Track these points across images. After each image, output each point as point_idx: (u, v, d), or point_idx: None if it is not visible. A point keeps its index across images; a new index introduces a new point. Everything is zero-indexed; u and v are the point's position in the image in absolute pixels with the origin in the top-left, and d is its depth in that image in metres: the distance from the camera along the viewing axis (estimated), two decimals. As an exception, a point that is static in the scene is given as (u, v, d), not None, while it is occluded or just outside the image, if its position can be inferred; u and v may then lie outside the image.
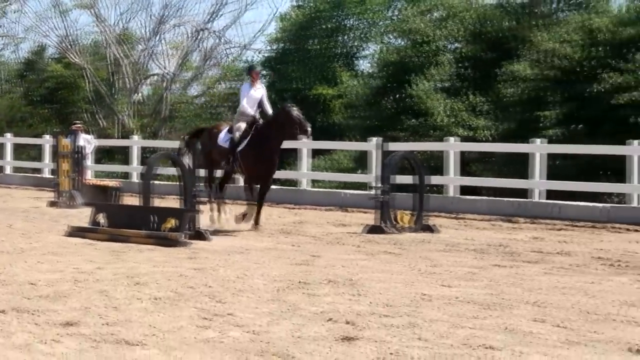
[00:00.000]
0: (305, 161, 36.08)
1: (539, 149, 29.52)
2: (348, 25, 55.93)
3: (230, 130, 24.72)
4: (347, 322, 12.12)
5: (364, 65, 55.35)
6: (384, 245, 21.11)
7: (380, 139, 30.38)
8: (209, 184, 25.89)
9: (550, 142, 31.31)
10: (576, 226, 25.68)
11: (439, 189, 31.71)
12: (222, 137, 24.78)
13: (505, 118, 39.03)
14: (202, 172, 25.78)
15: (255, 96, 24.58)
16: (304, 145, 35.50)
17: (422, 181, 24.87)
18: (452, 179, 31.50)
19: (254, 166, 24.17)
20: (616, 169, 29.67)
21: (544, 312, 13.07)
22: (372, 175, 30.11)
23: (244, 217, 24.49)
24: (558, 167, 31.15)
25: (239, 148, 24.10)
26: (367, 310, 13.05)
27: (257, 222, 24.31)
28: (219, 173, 26.77)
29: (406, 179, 25.92)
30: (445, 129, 38.38)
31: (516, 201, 29.31)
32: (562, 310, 13.23)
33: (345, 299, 13.95)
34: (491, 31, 44.15)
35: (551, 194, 29.61)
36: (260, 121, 24.57)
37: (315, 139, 36.89)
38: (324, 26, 54.77)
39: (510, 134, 35.84)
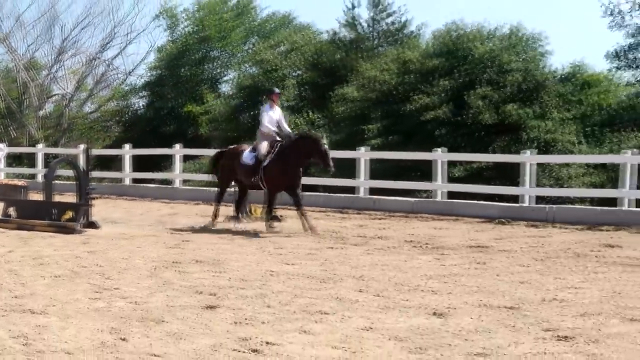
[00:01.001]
0: (178, 165, 36.02)
1: (363, 155, 29.77)
2: (212, 56, 56.16)
3: (252, 150, 22.21)
4: (211, 294, 12.18)
5: (225, 88, 55.41)
6: (241, 232, 21.13)
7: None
8: (221, 195, 23.31)
9: (372, 149, 31.59)
10: (392, 216, 25.90)
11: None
12: (246, 156, 22.16)
13: (337, 130, 39.20)
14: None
15: (274, 117, 22.13)
16: (177, 152, 35.55)
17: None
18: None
19: (278, 179, 21.60)
20: (424, 171, 30.03)
21: (366, 284, 13.24)
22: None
23: (270, 223, 21.73)
24: (378, 169, 31.40)
25: (264, 164, 21.61)
26: (227, 284, 13.12)
27: (312, 228, 21.26)
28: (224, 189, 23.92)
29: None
30: (289, 139, 38.48)
31: (346, 196, 29.50)
32: (380, 282, 13.41)
33: (209, 275, 13.99)
34: (326, 61, 44.42)
35: (373, 191, 29.89)
36: (279, 140, 22.10)
37: (185, 146, 36.97)
38: (192, 57, 54.93)
39: (341, 143, 36.02)
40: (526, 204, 25.29)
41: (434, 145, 29.98)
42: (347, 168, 31.01)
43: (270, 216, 21.89)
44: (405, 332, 9.80)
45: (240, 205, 23.12)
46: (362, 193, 29.55)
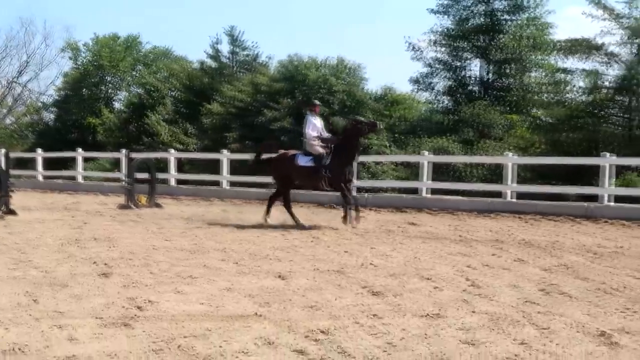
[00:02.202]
0: (80, 164, 35.38)
1: (225, 156, 29.70)
2: (107, 79, 56.18)
3: (306, 154, 18.99)
4: (105, 264, 11.96)
5: (117, 105, 55.17)
6: (130, 216, 20.81)
7: (127, 150, 29.76)
8: (287, 200, 19.67)
9: (232, 152, 31.50)
10: (249, 202, 25.91)
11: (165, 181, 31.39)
12: (302, 159, 18.96)
13: (205, 138, 39.14)
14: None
15: (317, 125, 19.21)
16: (79, 154, 34.90)
17: (153, 176, 24.68)
18: (173, 175, 31.35)
19: (343, 174, 18.46)
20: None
21: (227, 255, 13.18)
22: (122, 173, 29.60)
23: (355, 218, 18.40)
24: (237, 167, 31.28)
25: (326, 162, 18.56)
26: (119, 256, 12.88)
27: (345, 220, 18.48)
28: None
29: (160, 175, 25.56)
30: (167, 145, 38.22)
31: (213, 188, 29.40)
32: (238, 253, 13.37)
33: (104, 250, 13.73)
34: (196, 84, 44.47)
35: (234, 184, 29.88)
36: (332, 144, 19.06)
37: (86, 150, 36.32)
38: (91, 80, 55.01)
39: (208, 147, 35.98)
40: (354, 194, 25.52)
41: (283, 148, 30.01)
42: (212, 166, 30.93)
43: (349, 208, 18.61)
44: (257, 291, 9.80)
45: (288, 204, 19.63)
46: (225, 185, 29.47)
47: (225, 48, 45.88)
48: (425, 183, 24.37)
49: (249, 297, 9.43)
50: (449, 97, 38.77)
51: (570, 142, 31.17)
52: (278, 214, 19.57)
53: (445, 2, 38.54)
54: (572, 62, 35.82)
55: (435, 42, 38.69)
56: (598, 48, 34.16)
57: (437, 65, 38.94)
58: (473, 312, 8.71)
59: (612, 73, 34.53)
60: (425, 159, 24.67)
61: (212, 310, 8.72)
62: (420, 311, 8.72)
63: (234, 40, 45.30)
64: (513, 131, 33.71)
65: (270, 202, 19.67)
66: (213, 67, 45.36)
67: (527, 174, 27.97)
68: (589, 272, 11.50)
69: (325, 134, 19.43)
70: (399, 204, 23.36)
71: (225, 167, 29.65)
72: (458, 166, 29.78)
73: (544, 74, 38.02)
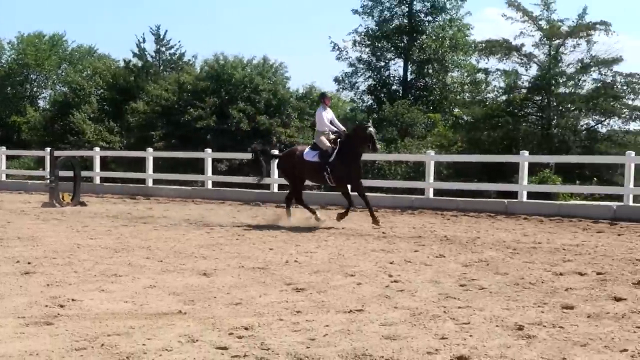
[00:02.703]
0: (4, 162, 34.60)
1: (150, 154, 29.36)
2: (32, 78, 55.26)
3: (313, 148, 18.54)
4: (28, 263, 11.71)
5: (43, 103, 54.33)
6: (54, 215, 20.43)
7: (50, 148, 29.26)
8: (299, 195, 19.14)
9: (157, 150, 31.20)
10: (173, 201, 25.69)
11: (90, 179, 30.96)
12: (309, 154, 18.44)
13: (130, 136, 38.77)
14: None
15: (328, 117, 18.44)
16: (2, 152, 34.14)
17: (77, 174, 24.27)
18: (97, 173, 30.93)
19: (345, 173, 17.96)
20: (196, 166, 29.84)
21: (152, 253, 13.03)
22: (46, 171, 29.07)
23: (342, 216, 18.09)
24: (161, 165, 31.00)
25: (331, 159, 18.00)
26: (42, 255, 12.63)
27: (376, 222, 17.66)
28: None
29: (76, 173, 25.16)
30: (93, 143, 37.71)
31: (138, 186, 29.08)
32: (163, 251, 13.23)
33: (27, 249, 13.44)
34: (121, 83, 43.94)
35: (158, 182, 29.62)
36: (337, 136, 18.49)
37: (9, 149, 35.53)
38: (16, 79, 54.06)
39: (133, 145, 35.57)
40: (275, 190, 25.51)
41: (206, 147, 29.84)
42: (137, 164, 30.56)
43: (348, 209, 18.21)
44: (181, 289, 9.70)
45: (301, 199, 19.17)
46: (150, 183, 29.15)
47: (150, 47, 45.56)
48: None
49: (173, 295, 9.33)
50: (371, 97, 39.06)
51: (490, 140, 31.65)
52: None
53: (368, 3, 38.81)
54: (491, 63, 36.46)
55: (358, 43, 38.95)
56: (516, 49, 34.79)
57: (360, 65, 39.21)
58: (395, 307, 8.75)
59: (530, 73, 35.21)
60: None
61: (135, 309, 8.60)
62: (344, 307, 8.72)
63: (159, 38, 44.94)
64: (434, 130, 34.10)
65: (288, 202, 19.08)
66: (138, 66, 44.95)
67: (448, 172, 28.32)
68: (508, 267, 11.66)
69: (339, 125, 18.75)
70: (324, 202, 23.37)
71: (150, 165, 29.35)
72: (381, 164, 29.98)
73: (464, 74, 38.56)
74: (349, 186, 18.43)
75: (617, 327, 7.83)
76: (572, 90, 34.52)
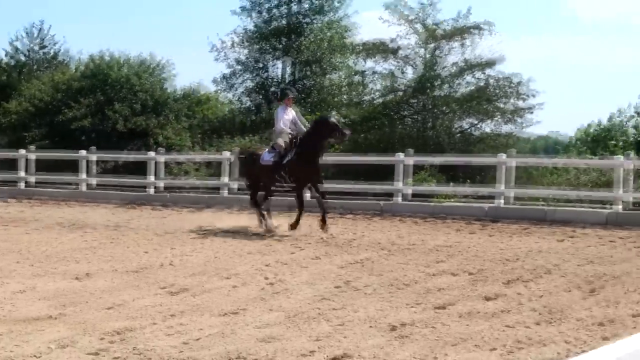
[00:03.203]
0: None
1: (23, 155, 28.58)
2: None
3: (271, 150, 17.53)
4: None
5: None
6: None
7: None
8: (253, 198, 18.08)
9: (32, 151, 30.36)
10: (46, 203, 25.04)
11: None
12: (265, 157, 17.43)
13: (3, 137, 37.69)
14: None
15: (288, 118, 17.36)
16: None
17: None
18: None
19: (303, 172, 16.90)
20: (74, 166, 29.17)
21: (23, 257, 12.75)
22: None
23: (294, 225, 16.87)
24: (41, 165, 30.15)
25: (286, 160, 17.02)
26: None
27: (324, 226, 16.69)
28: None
29: None
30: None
31: (11, 188, 28.19)
32: (35, 255, 12.95)
33: None
34: (-6, 82, 42.60)
35: (36, 183, 28.84)
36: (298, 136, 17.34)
37: None
38: None
39: (7, 146, 34.58)
40: (152, 192, 25.22)
41: (83, 147, 29.18)
42: (11, 165, 29.74)
43: (299, 216, 17.01)
44: (53, 294, 9.49)
45: (265, 202, 18.08)
46: (22, 185, 28.35)
47: (25, 45, 44.31)
48: (228, 182, 24.34)
49: (43, 300, 9.11)
50: (251, 98, 39.02)
51: (368, 142, 32.02)
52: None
53: (248, 4, 38.77)
54: (369, 65, 36.92)
55: (238, 43, 38.85)
56: (394, 51, 35.33)
57: (240, 66, 39.10)
58: (270, 309, 8.75)
59: (407, 76, 35.82)
60: (228, 158, 24.65)
61: (4, 314, 8.36)
62: (219, 310, 8.68)
63: (33, 36, 43.80)
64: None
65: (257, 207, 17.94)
66: (11, 65, 43.65)
67: (328, 173, 28.50)
68: (382, 268, 11.81)
69: (301, 127, 17.51)
70: (203, 202, 23.22)
71: (23, 166, 28.54)
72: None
73: (343, 75, 38.91)
74: (305, 188, 17.78)
75: (487, 327, 8.02)
76: (448, 93, 35.22)
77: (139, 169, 27.38)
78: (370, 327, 8.02)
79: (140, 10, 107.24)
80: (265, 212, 17.68)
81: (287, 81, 38.71)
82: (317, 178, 17.22)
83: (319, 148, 17.07)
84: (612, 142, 38.04)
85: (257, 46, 38.49)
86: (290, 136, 17.27)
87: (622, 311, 8.82)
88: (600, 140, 38.62)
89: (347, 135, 17.22)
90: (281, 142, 17.18)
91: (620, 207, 18.81)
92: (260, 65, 38.85)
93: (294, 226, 16.77)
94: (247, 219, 18.52)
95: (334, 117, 17.34)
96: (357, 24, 39.99)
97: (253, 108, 38.01)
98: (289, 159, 16.99)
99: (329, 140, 17.18)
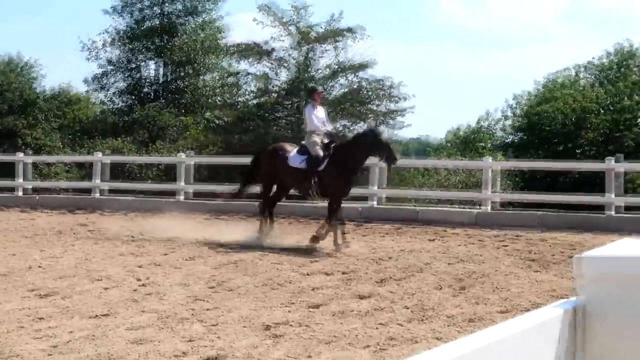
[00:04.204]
0: None
1: None
2: None
3: (301, 152, 15.19)
4: None
5: None
6: None
7: None
8: (265, 202, 15.94)
9: None
10: None
11: None
12: (294, 159, 15.12)
13: None
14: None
15: (320, 116, 15.36)
16: None
17: None
18: None
19: (341, 185, 14.80)
20: None
21: None
22: None
23: (317, 239, 14.51)
24: None
25: (321, 167, 14.73)
26: None
27: (316, 238, 14.53)
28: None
29: None
30: None
31: None
32: None
33: None
34: None
35: None
36: (331, 141, 15.23)
37: None
38: None
39: None
40: (20, 194, 24.45)
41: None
42: None
43: (330, 226, 14.66)
44: None
45: (272, 208, 16.18)
46: None
47: None
48: (99, 184, 23.82)
49: None
50: (124, 99, 38.39)
51: (242, 143, 31.92)
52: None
53: (119, 4, 38.12)
54: (244, 66, 36.82)
55: (110, 43, 38.16)
56: (268, 53, 35.34)
57: (112, 66, 38.41)
58: (142, 311, 8.60)
59: (281, 77, 35.90)
60: (99, 159, 24.12)
61: None
62: (90, 312, 8.47)
63: None
64: (187, 133, 33.99)
65: (264, 210, 16.09)
66: None
67: (202, 175, 28.27)
68: (257, 268, 11.77)
69: (329, 126, 15.79)
70: (72, 205, 22.64)
71: None
72: (133, 167, 29.52)
73: (217, 77, 38.71)
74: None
75: (360, 325, 8.09)
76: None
77: (7, 170, 26.56)
78: (244, 327, 7.97)
79: (6, 10, 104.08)
80: (268, 219, 15.84)
81: (160, 82, 38.25)
82: (348, 192, 15.38)
83: (361, 163, 15.32)
84: (481, 144, 39.20)
85: (130, 46, 37.89)
86: (326, 139, 15.22)
87: (490, 308, 9.06)
88: (469, 142, 39.74)
89: (396, 162, 15.19)
90: (318, 147, 14.94)
91: (489, 207, 19.31)
92: (133, 65, 38.25)
93: (337, 243, 14.24)
94: (123, 220, 18.18)
95: (384, 135, 15.30)
96: (230, 25, 39.88)
97: (125, 109, 37.38)
98: (325, 167, 14.78)
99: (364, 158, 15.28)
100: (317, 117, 15.32)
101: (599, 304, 2.26)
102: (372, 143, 14.60)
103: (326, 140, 15.17)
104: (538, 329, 2.09)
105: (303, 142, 15.55)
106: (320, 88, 16.28)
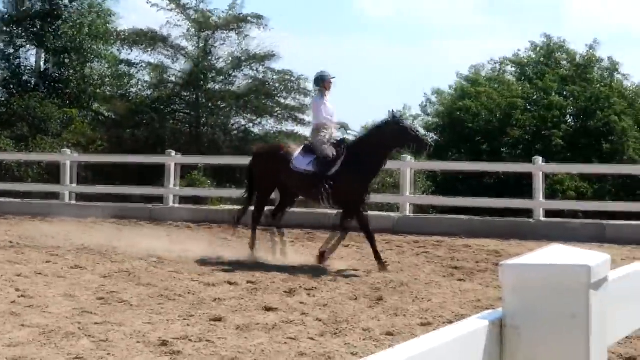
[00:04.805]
0: None
1: None
2: None
3: (306, 152, 13.89)
4: None
5: None
6: None
7: None
8: (258, 210, 14.59)
9: None
10: None
11: None
12: (300, 160, 13.74)
13: None
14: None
15: (330, 109, 14.13)
16: None
17: None
18: None
19: (358, 191, 13.49)
20: None
21: None
22: None
23: (324, 255, 13.50)
24: None
25: (332, 171, 13.48)
26: None
27: (380, 259, 13.05)
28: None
29: None
30: None
31: None
32: None
33: None
34: None
35: None
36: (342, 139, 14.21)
37: None
38: None
39: None
40: None
41: None
42: None
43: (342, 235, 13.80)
44: None
45: (278, 219, 14.61)
46: None
47: None
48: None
49: None
50: (0, 89, 37.60)
51: (135, 139, 31.64)
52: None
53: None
54: (137, 54, 36.44)
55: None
56: (164, 40, 35.06)
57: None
58: (22, 325, 8.45)
59: (179, 67, 35.66)
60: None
61: None
62: (-42, 328, 8.29)
63: None
64: (72, 127, 33.46)
65: (255, 222, 14.67)
66: None
67: (89, 174, 27.90)
68: (152, 278, 11.68)
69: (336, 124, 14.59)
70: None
71: None
72: (11, 165, 28.99)
73: (106, 65, 38.20)
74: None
75: (267, 339, 8.11)
76: (224, 87, 35.35)
77: None
78: (138, 342, 7.90)
79: None
80: (278, 233, 14.44)
81: (41, 70, 37.58)
82: (365, 199, 13.99)
83: (383, 161, 14.17)
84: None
85: (7, 30, 37.12)
86: (336, 133, 14.30)
87: (410, 320, 9.18)
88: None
89: (429, 146, 14.09)
90: (327, 145, 13.82)
91: (407, 211, 19.49)
92: (12, 51, 37.50)
93: (381, 265, 12.95)
94: (9, 226, 17.83)
95: (406, 121, 14.28)
96: (122, 9, 39.40)
97: (3, 99, 36.62)
98: (337, 169, 13.57)
99: (397, 151, 14.35)
100: (326, 109, 14.16)
101: (525, 315, 2.31)
102: (396, 134, 13.49)
103: (337, 136, 14.23)
104: (461, 342, 2.12)
105: (308, 139, 14.41)
106: (331, 74, 14.36)
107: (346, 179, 13.39)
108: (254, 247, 14.23)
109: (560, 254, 2.49)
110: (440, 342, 2.08)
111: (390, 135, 13.44)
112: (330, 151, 13.66)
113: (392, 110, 14.02)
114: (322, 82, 14.36)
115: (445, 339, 2.11)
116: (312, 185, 13.59)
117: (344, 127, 14.78)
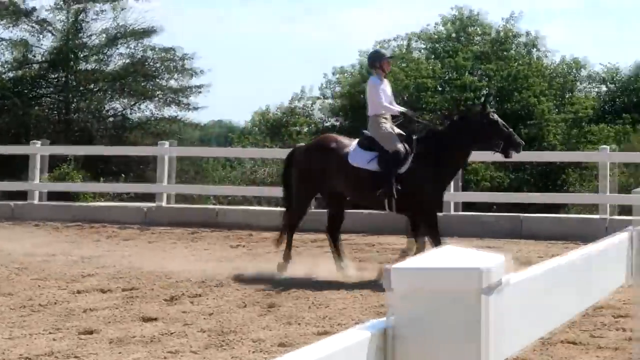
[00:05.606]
0: None
1: None
2: None
3: (365, 146, 12.65)
4: None
5: None
6: None
7: None
8: (299, 217, 13.41)
9: None
10: None
11: None
12: (358, 155, 12.54)
13: None
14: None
15: (388, 93, 13.05)
16: None
17: None
18: None
19: (433, 194, 12.64)
20: None
21: None
22: None
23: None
24: None
25: (403, 169, 12.37)
26: None
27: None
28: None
29: None
30: None
31: None
32: None
33: None
34: None
35: None
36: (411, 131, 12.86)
37: None
38: None
39: None
40: None
41: None
42: None
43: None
44: None
45: (335, 233, 13.16)
46: None
47: None
48: None
49: None
50: None
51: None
52: None
53: None
54: (-3, 31, 35.80)
55: None
56: (27, 13, 34.52)
57: None
58: None
59: (45, 45, 35.13)
60: None
61: None
62: None
63: None
64: None
65: (290, 232, 13.47)
66: None
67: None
68: (13, 286, 11.53)
69: (397, 107, 13.56)
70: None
71: None
72: None
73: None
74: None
75: (145, 354, 8.09)
76: (97, 67, 34.95)
77: None
78: (-4, 362, 7.83)
79: None
80: (336, 248, 13.07)
81: None
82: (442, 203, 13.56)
83: (464, 160, 13.92)
84: (295, 128, 39.63)
85: None
86: (392, 126, 13.06)
87: (305, 329, 9.24)
88: (281, 126, 40.06)
89: (520, 149, 13.13)
90: (395, 138, 12.74)
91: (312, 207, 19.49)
92: None
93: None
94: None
95: (495, 114, 13.25)
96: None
97: None
98: (410, 167, 12.54)
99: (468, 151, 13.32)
100: (386, 95, 13.15)
101: (413, 324, 2.35)
102: (485, 129, 12.67)
103: (402, 128, 13.06)
104: (341, 356, 2.14)
105: (365, 131, 13.13)
106: (389, 52, 13.58)
107: (421, 179, 12.48)
108: (289, 260, 13.05)
109: (451, 256, 2.53)
110: (319, 356, 2.09)
111: (476, 130, 12.66)
112: (400, 145, 12.58)
113: (486, 97, 12.76)
114: (381, 63, 13.37)
115: (324, 351, 2.11)
116: (376, 187, 12.42)
117: (410, 115, 13.65)
